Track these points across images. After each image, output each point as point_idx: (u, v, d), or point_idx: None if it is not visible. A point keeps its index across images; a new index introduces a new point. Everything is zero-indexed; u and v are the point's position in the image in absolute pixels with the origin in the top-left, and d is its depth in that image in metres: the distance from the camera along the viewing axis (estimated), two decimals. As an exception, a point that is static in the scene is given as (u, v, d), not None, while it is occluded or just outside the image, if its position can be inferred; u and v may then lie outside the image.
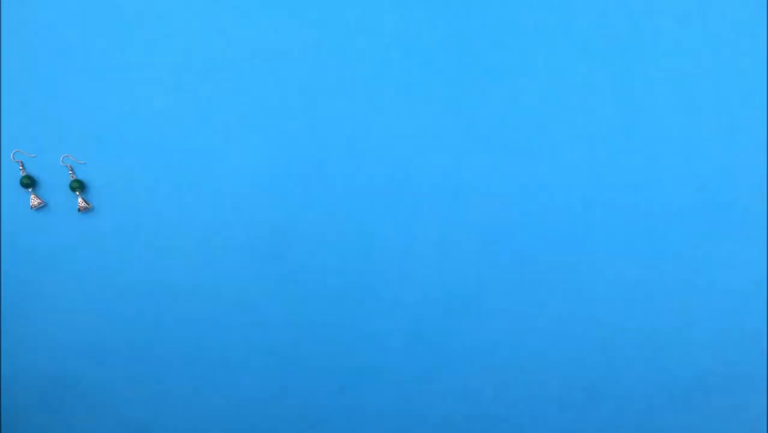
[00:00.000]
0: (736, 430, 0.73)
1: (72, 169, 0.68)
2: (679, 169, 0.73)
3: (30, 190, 0.67)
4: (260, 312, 0.67)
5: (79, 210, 0.67)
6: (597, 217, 0.71)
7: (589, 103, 0.70)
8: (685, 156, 0.72)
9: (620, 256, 0.71)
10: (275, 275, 0.67)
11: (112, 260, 0.68)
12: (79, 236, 0.67)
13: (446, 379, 0.69)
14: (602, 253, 0.71)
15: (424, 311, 0.68)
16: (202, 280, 0.67)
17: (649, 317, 0.71)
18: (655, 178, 0.72)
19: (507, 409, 0.69)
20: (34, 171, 0.66)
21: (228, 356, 0.67)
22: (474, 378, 0.69)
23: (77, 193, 0.67)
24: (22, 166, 0.68)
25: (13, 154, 0.68)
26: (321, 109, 0.68)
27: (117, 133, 0.68)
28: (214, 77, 0.69)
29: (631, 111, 0.71)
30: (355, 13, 0.68)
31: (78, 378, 0.66)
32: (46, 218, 0.66)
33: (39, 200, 0.67)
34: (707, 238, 0.73)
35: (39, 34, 0.67)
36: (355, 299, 0.68)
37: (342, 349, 0.68)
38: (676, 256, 0.72)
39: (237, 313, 0.67)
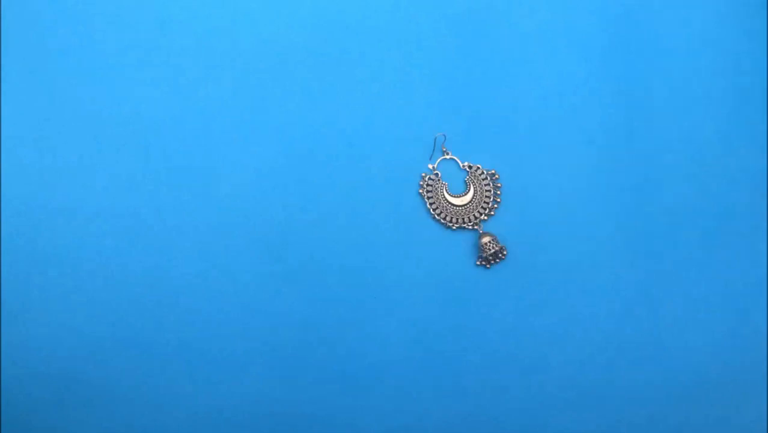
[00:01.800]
0: (736, 430, 0.74)
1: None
2: (679, 170, 0.73)
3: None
4: (261, 312, 0.68)
5: None
6: (597, 216, 0.71)
7: (588, 103, 0.71)
8: (685, 156, 0.72)
9: (620, 255, 0.71)
10: (276, 275, 0.68)
11: (113, 260, 0.68)
12: (79, 235, 0.68)
13: (446, 379, 0.69)
14: (602, 252, 0.71)
15: (424, 311, 0.69)
16: (203, 280, 0.68)
17: (649, 316, 0.71)
18: (655, 178, 0.72)
19: (506, 409, 0.69)
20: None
21: (229, 357, 0.68)
22: (474, 379, 0.69)
23: None
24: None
25: None
26: (322, 109, 0.71)
27: (116, 133, 0.68)
28: (214, 77, 0.69)
29: (631, 111, 0.72)
30: (356, 13, 0.71)
31: (78, 378, 0.67)
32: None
33: None
34: (707, 238, 0.72)
35: (38, 34, 0.68)
36: (356, 299, 0.69)
37: (342, 349, 0.69)
38: (676, 256, 0.72)
39: (238, 313, 0.68)
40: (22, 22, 0.68)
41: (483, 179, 0.71)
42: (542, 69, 0.73)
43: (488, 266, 0.70)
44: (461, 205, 0.70)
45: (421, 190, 0.70)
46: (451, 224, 0.70)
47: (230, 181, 0.69)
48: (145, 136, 0.69)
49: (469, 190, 0.71)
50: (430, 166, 0.71)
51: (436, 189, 0.70)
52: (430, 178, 0.70)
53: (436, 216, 0.70)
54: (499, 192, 0.71)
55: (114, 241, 0.68)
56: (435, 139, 0.71)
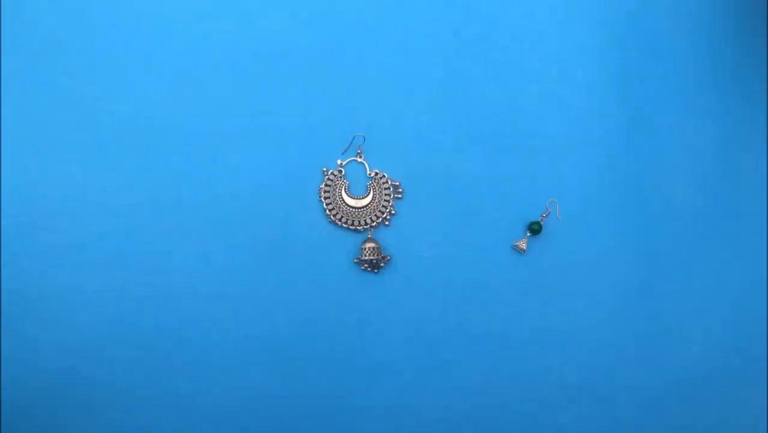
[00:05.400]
0: (736, 430, 0.72)
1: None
2: (680, 169, 0.72)
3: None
4: (261, 312, 0.69)
5: None
6: (597, 217, 0.71)
7: (589, 104, 0.71)
8: (685, 156, 0.72)
9: (620, 255, 0.71)
10: (276, 275, 0.69)
11: (113, 260, 0.68)
12: (79, 235, 0.69)
13: (446, 379, 0.69)
14: (602, 252, 0.71)
15: (424, 310, 0.70)
16: (203, 279, 0.69)
17: (649, 316, 0.71)
18: (655, 178, 0.72)
19: (506, 409, 0.69)
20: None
21: (228, 356, 0.69)
22: (474, 379, 0.70)
23: None
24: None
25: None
26: (322, 109, 0.70)
27: (116, 133, 0.69)
28: (214, 77, 0.70)
29: (632, 111, 0.72)
30: (356, 13, 0.71)
31: (78, 378, 0.68)
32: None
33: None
34: (707, 238, 0.72)
35: (38, 34, 0.69)
36: (357, 298, 0.70)
37: (343, 348, 0.69)
38: (676, 256, 0.71)
39: (237, 313, 0.69)
40: (22, 22, 0.69)
41: (385, 187, 0.71)
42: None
43: (375, 271, 0.70)
44: (357, 207, 0.70)
45: (321, 185, 0.70)
46: (341, 223, 0.70)
47: (230, 182, 0.69)
48: (145, 136, 0.69)
49: (368, 194, 0.71)
50: (339, 162, 0.71)
51: (335, 186, 0.71)
52: (332, 174, 0.71)
53: (328, 211, 0.70)
54: (392, 202, 0.71)
55: (114, 240, 0.68)
56: (353, 138, 0.71)
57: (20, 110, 0.68)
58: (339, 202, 0.69)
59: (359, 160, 0.70)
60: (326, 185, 0.69)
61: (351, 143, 0.70)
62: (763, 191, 0.72)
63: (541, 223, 0.69)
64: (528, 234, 0.69)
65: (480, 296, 0.70)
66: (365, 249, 0.68)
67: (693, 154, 0.71)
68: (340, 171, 0.70)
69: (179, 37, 0.70)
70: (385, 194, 0.70)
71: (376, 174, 0.70)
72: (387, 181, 0.70)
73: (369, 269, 0.69)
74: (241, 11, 0.70)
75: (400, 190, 0.70)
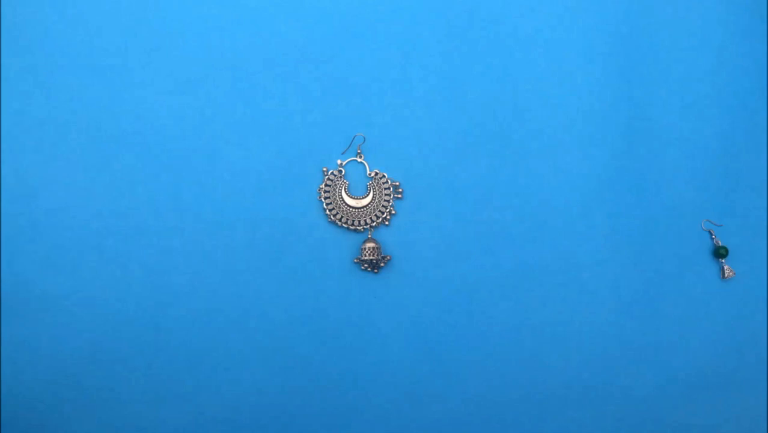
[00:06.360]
0: (736, 430, 0.72)
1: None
2: (680, 169, 0.72)
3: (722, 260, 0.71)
4: (261, 312, 0.69)
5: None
6: (597, 217, 0.71)
7: (589, 104, 0.71)
8: (685, 156, 0.72)
9: (620, 256, 0.71)
10: (276, 275, 0.69)
11: (113, 260, 0.68)
12: (79, 234, 0.69)
13: (446, 379, 0.69)
14: (602, 253, 0.71)
15: (425, 311, 0.70)
16: (203, 280, 0.69)
17: (649, 316, 0.71)
18: (654, 178, 0.72)
19: (506, 409, 0.69)
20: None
21: (228, 356, 0.69)
22: (474, 379, 0.70)
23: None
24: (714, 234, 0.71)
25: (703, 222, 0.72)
26: (322, 109, 0.71)
27: (116, 134, 0.69)
28: (214, 77, 0.70)
29: (631, 111, 0.72)
30: (356, 13, 0.71)
31: (78, 378, 0.68)
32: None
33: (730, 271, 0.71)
34: (707, 237, 0.72)
35: (38, 34, 0.69)
36: (357, 298, 0.70)
37: (343, 348, 0.70)
38: (676, 256, 0.72)
39: (237, 313, 0.69)
40: (22, 22, 0.69)
41: (385, 187, 0.71)
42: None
43: (376, 271, 0.70)
44: (357, 207, 0.71)
45: (321, 185, 0.71)
46: (341, 223, 0.70)
47: (229, 182, 0.70)
48: (145, 136, 0.69)
49: (368, 194, 0.71)
50: (339, 162, 0.71)
51: (335, 186, 0.71)
52: (332, 174, 0.71)
53: (328, 211, 0.70)
54: (392, 202, 0.71)
55: (114, 241, 0.68)
56: (353, 138, 0.71)
57: (20, 110, 0.68)
58: (339, 202, 0.70)
59: (359, 160, 0.71)
60: (326, 185, 0.70)
61: (351, 143, 0.70)
62: (763, 191, 0.72)
63: (726, 247, 0.71)
64: (723, 261, 0.71)
65: (480, 296, 0.70)
66: (365, 249, 0.68)
67: (693, 154, 0.71)
68: (340, 171, 0.71)
69: (179, 38, 0.70)
70: (385, 194, 0.70)
71: (376, 174, 0.71)
72: (387, 182, 0.70)
73: (369, 269, 0.69)
74: (241, 11, 0.70)
75: (400, 190, 0.70)
